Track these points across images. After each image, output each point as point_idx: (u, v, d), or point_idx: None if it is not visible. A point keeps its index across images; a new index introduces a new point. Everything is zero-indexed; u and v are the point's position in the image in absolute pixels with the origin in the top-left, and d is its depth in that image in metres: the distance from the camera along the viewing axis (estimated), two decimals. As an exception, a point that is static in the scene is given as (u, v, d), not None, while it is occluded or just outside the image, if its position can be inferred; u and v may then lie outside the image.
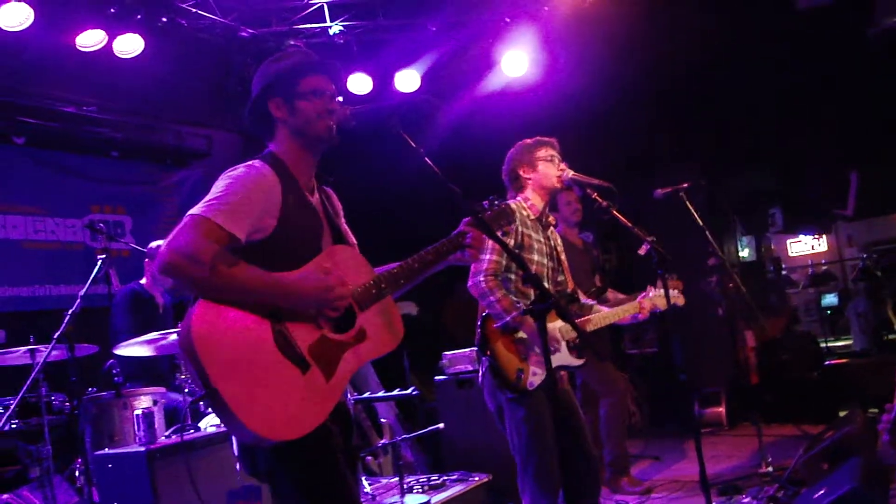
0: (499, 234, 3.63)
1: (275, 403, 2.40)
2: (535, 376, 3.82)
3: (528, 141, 4.18)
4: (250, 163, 2.65)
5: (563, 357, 3.91)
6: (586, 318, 4.12)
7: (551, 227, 4.21)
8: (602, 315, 4.18)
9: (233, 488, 4.31)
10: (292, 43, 7.21)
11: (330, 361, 2.57)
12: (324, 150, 2.83)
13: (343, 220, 2.99)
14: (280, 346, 2.47)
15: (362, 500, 5.53)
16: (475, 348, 6.26)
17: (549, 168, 4.09)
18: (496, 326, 3.84)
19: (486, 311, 3.89)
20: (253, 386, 2.37)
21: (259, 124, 2.82)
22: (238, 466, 4.31)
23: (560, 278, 4.18)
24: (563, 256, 4.23)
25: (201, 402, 5.15)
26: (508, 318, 3.78)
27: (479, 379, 4.06)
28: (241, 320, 2.43)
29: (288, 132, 2.77)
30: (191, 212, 2.47)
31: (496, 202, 3.11)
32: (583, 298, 4.31)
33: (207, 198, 2.52)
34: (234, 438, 4.24)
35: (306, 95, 2.74)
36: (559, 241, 4.27)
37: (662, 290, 4.22)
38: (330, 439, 2.58)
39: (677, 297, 4.30)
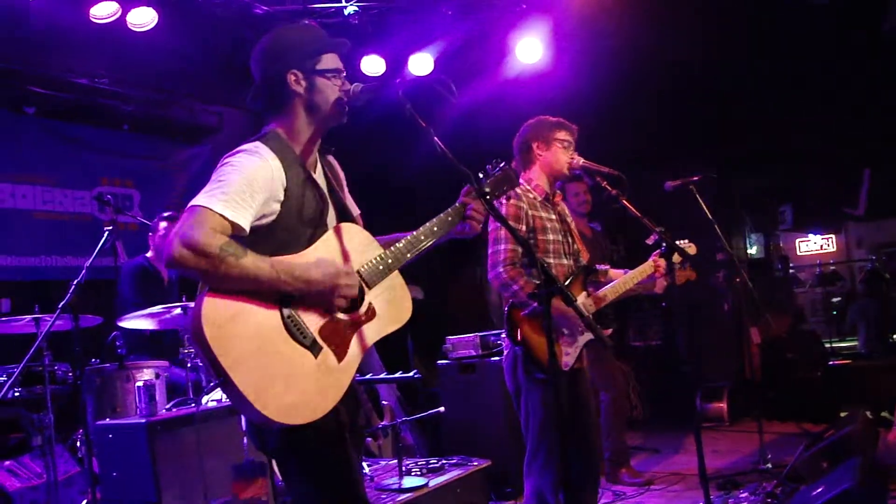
0: (503, 209, 3.64)
1: (289, 390, 2.40)
2: (568, 356, 3.85)
3: (551, 119, 4.15)
4: (251, 146, 2.59)
5: (588, 331, 3.90)
6: (603, 292, 4.09)
7: (560, 204, 4.20)
8: (621, 282, 4.13)
9: (237, 463, 4.32)
10: (306, 22, 7.18)
11: (341, 342, 2.57)
12: (330, 128, 2.81)
13: (346, 190, 2.96)
14: (290, 332, 2.46)
15: (361, 480, 5.54)
16: (480, 334, 6.37)
17: (562, 153, 4.07)
18: (524, 314, 3.83)
19: (511, 301, 3.88)
20: (266, 374, 2.37)
21: (269, 97, 2.75)
22: (245, 441, 4.37)
23: (575, 247, 4.17)
24: (572, 226, 4.22)
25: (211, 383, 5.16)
26: (534, 304, 3.76)
27: (502, 360, 4.06)
28: (250, 308, 2.41)
29: (302, 107, 2.72)
30: (193, 202, 2.43)
31: (500, 165, 3.04)
32: (597, 266, 4.29)
33: (209, 186, 2.48)
34: (243, 415, 4.27)
35: (325, 73, 2.72)
36: (567, 211, 4.25)
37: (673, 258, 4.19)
38: (338, 418, 2.57)
39: (689, 273, 4.27)
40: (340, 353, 2.55)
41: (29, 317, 5.15)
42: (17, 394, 5.44)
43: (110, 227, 5.34)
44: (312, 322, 2.52)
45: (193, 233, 2.34)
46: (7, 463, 5.38)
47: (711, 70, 8.21)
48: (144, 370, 5.20)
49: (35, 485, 5.30)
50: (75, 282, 5.00)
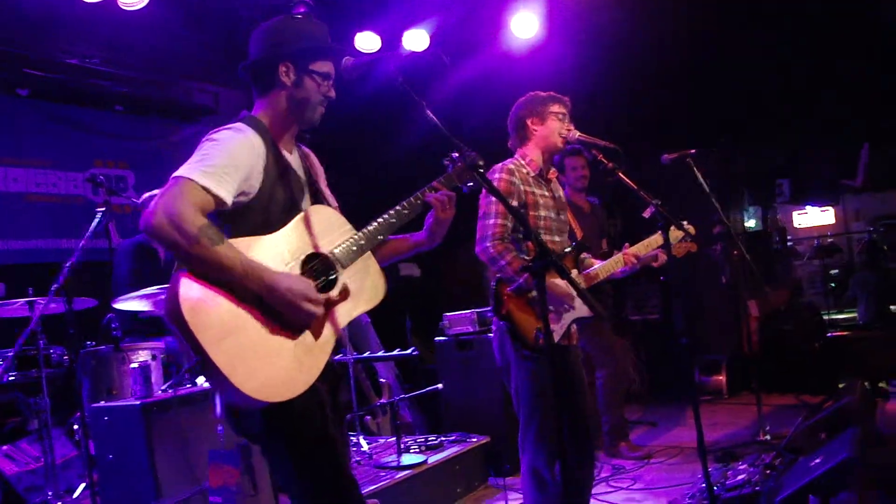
0: (495, 183, 3.64)
1: (267, 367, 2.41)
2: (554, 333, 3.80)
3: (542, 93, 4.10)
4: (234, 125, 2.64)
5: (578, 310, 3.88)
6: (594, 271, 4.08)
7: (553, 181, 4.16)
8: (612, 262, 4.12)
9: (214, 449, 4.27)
10: (304, 9, 7.08)
11: (318, 321, 2.57)
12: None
13: (324, 181, 2.99)
14: (267, 309, 2.47)
15: (360, 458, 5.56)
16: (477, 310, 6.36)
17: (557, 126, 4.03)
18: (509, 290, 3.81)
19: (499, 276, 3.86)
20: (244, 351, 2.38)
21: (257, 77, 2.79)
22: (220, 429, 4.36)
23: (568, 225, 4.15)
24: (566, 206, 4.20)
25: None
26: (521, 281, 3.74)
27: (492, 336, 4.05)
28: (226, 284, 2.42)
29: (284, 99, 2.75)
30: (176, 173, 2.44)
31: (459, 158, 2.94)
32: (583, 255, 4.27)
33: (193, 159, 2.50)
34: (217, 402, 4.26)
35: (317, 76, 2.75)
36: (561, 191, 4.22)
37: (648, 242, 4.21)
38: (317, 397, 2.59)
39: (690, 246, 4.28)
40: (317, 332, 2.57)
41: (23, 300, 5.13)
42: (12, 378, 5.43)
43: (103, 209, 5.30)
44: None
45: (176, 203, 2.35)
46: (4, 447, 5.39)
47: (709, 43, 8.15)
48: (140, 352, 5.18)
49: (33, 468, 5.31)
50: (68, 264, 4.97)
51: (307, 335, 2.54)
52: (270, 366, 2.42)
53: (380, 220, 2.80)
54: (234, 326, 2.38)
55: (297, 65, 2.73)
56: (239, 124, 2.64)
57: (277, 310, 2.46)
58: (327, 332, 2.60)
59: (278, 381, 2.42)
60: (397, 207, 2.83)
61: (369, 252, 2.78)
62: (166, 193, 2.38)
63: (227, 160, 2.50)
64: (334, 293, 2.64)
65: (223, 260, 2.37)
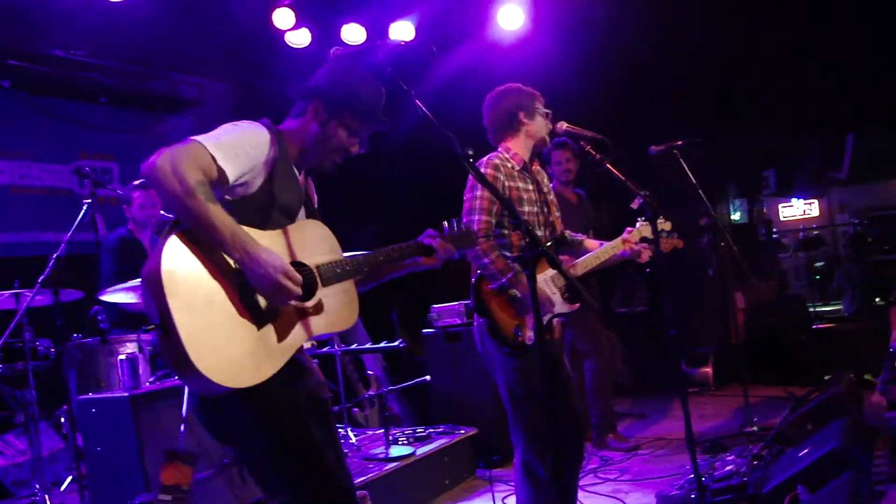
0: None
1: (226, 347, 2.40)
2: (531, 330, 3.77)
3: (526, 89, 4.07)
4: (255, 122, 2.72)
5: (557, 305, 3.85)
6: (574, 263, 4.05)
7: (540, 171, 4.13)
8: (592, 256, 4.08)
9: (172, 448, 4.22)
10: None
11: (286, 324, 2.59)
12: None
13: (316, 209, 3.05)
14: (242, 297, 2.48)
15: (348, 451, 5.55)
16: (465, 302, 6.35)
17: (543, 123, 4.02)
18: (491, 288, 3.79)
19: (480, 272, 3.84)
20: (208, 325, 2.37)
21: (298, 97, 2.87)
22: (182, 428, 4.31)
23: (550, 219, 4.11)
24: (550, 197, 4.14)
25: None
26: (504, 280, 3.73)
27: (474, 330, 4.02)
28: (212, 259, 2.44)
29: (307, 129, 2.83)
30: (192, 137, 2.51)
31: (457, 225, 3.21)
32: (570, 235, 4.23)
33: (209, 133, 2.57)
34: (185, 398, 4.24)
35: (346, 128, 2.82)
36: (545, 180, 4.17)
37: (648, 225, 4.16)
38: (295, 395, 2.62)
39: (676, 241, 4.23)
40: (283, 334, 2.58)
41: (8, 292, 5.10)
42: (-3, 370, 5.40)
43: (89, 201, 5.27)
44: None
45: (182, 156, 2.41)
46: (-9, 441, 5.36)
47: (694, 37, 8.15)
48: (127, 344, 5.16)
49: (19, 462, 5.28)
50: (54, 256, 4.95)
51: (272, 333, 2.54)
52: (229, 347, 2.40)
53: (368, 254, 2.90)
54: (206, 300, 2.39)
55: (332, 111, 2.79)
56: (259, 123, 2.72)
57: (254, 284, 2.46)
58: (293, 337, 2.61)
59: (232, 366, 2.40)
60: (387, 249, 2.96)
61: (351, 280, 2.85)
62: (176, 147, 2.45)
63: (239, 143, 2.57)
64: (309, 304, 2.66)
65: (214, 219, 2.38)
